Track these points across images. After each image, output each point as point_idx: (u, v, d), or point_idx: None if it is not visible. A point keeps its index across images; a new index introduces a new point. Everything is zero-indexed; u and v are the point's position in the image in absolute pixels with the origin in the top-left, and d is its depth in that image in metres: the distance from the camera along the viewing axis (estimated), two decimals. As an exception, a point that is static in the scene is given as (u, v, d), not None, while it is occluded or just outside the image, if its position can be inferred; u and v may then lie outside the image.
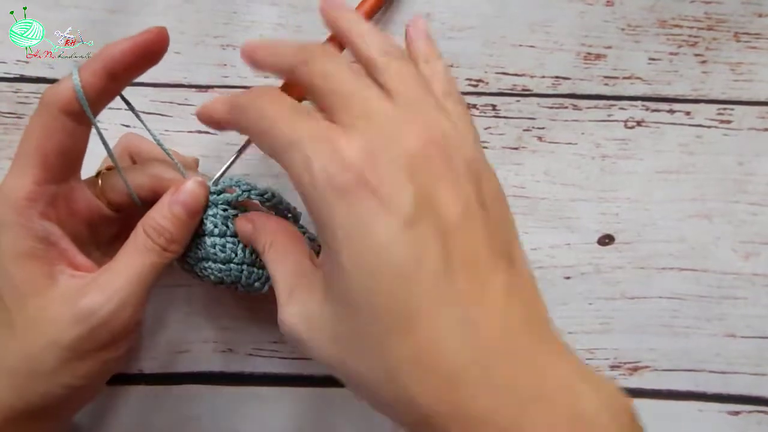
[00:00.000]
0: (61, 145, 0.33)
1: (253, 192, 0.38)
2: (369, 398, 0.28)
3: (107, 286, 0.33)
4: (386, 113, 0.29)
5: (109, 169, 0.39)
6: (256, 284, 0.38)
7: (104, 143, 0.36)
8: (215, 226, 0.37)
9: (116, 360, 0.35)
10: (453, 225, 0.27)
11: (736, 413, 0.45)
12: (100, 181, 0.38)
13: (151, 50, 0.34)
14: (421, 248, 0.26)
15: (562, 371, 0.26)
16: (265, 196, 0.38)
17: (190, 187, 0.36)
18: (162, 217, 0.35)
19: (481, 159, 0.31)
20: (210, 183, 0.37)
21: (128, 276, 0.34)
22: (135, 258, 0.34)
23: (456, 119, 0.31)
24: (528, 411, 0.24)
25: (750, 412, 0.45)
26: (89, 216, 0.37)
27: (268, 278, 0.38)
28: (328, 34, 0.36)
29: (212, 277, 0.37)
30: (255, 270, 0.38)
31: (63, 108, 0.33)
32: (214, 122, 0.35)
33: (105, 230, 0.39)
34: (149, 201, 0.37)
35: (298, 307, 0.31)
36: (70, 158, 0.35)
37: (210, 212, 0.37)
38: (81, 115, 0.33)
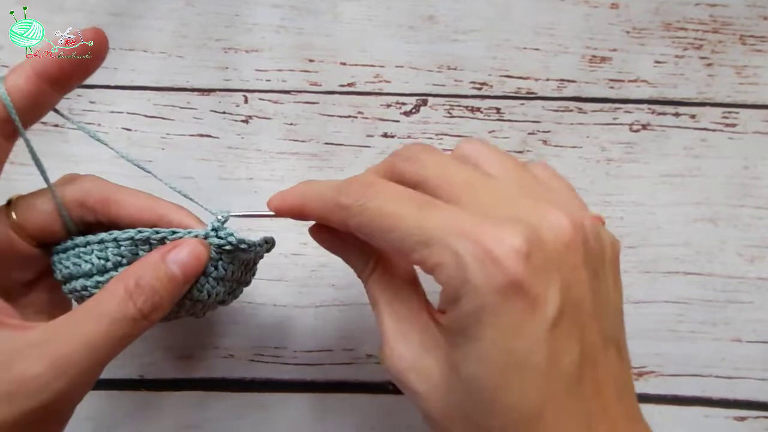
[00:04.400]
0: None
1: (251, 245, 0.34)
2: None
3: (58, 356, 0.27)
4: (518, 201, 0.28)
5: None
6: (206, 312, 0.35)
7: (34, 158, 0.31)
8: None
9: None
10: (588, 317, 0.27)
11: (743, 419, 0.44)
12: (13, 212, 0.32)
13: (87, 49, 0.30)
14: (560, 349, 0.26)
15: None
16: (265, 247, 0.35)
17: (195, 247, 0.31)
18: (155, 277, 0.29)
19: (610, 243, 0.30)
20: (217, 223, 0.33)
21: (89, 346, 0.28)
22: (103, 323, 0.28)
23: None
24: None
25: (756, 417, 0.44)
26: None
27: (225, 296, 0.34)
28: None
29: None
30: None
31: None
32: (303, 217, 0.32)
33: (17, 273, 0.33)
34: (90, 227, 0.32)
35: (412, 354, 0.29)
36: None
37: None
38: (4, 126, 0.29)
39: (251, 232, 0.44)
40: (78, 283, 0.33)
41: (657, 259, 0.45)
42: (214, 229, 0.32)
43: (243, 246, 0.33)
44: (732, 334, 0.45)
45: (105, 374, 0.42)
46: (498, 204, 0.28)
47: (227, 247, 0.32)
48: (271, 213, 0.33)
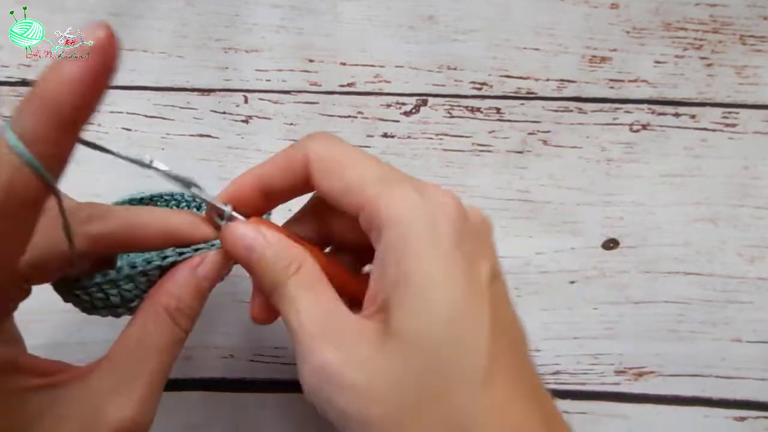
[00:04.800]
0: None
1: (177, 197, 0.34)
2: None
3: (139, 396, 0.28)
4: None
5: None
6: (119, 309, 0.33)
7: (64, 217, 0.27)
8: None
9: None
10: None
11: (743, 419, 0.44)
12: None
13: (102, 67, 0.23)
14: (467, 262, 0.28)
15: None
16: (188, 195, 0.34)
17: (216, 259, 0.31)
18: (191, 297, 0.30)
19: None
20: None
21: (161, 378, 0.29)
22: (163, 353, 0.29)
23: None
24: None
25: (756, 417, 0.44)
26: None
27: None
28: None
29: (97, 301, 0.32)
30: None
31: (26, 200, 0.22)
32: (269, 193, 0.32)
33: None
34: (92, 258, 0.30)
35: (343, 350, 0.27)
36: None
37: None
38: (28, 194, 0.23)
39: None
40: (106, 312, 0.33)
41: (657, 259, 0.45)
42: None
43: None
44: (732, 334, 0.45)
45: (105, 374, 0.43)
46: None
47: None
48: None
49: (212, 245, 0.32)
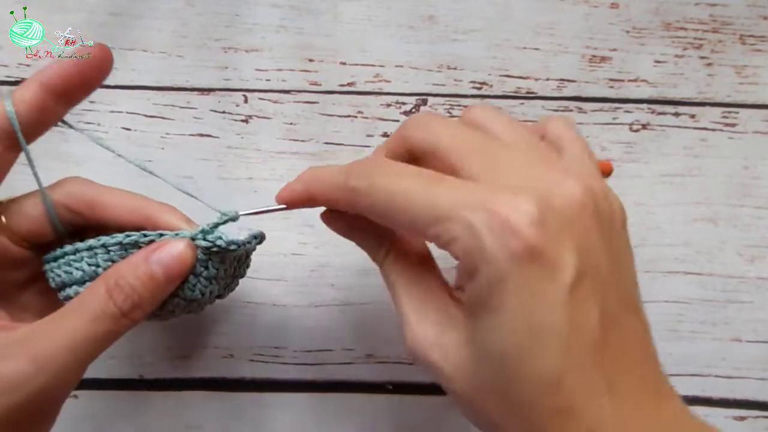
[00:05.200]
0: None
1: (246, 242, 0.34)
2: None
3: (40, 352, 0.28)
4: (529, 169, 0.28)
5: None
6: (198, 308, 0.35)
7: (31, 165, 0.32)
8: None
9: None
10: (605, 280, 0.27)
11: (743, 418, 0.44)
12: (2, 215, 0.32)
13: (91, 65, 0.31)
14: (581, 313, 0.26)
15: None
16: (255, 242, 0.35)
17: (178, 249, 0.31)
18: (135, 276, 0.30)
19: (619, 208, 0.31)
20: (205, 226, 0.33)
21: (70, 342, 0.28)
22: (84, 320, 0.29)
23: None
24: None
25: (756, 417, 0.44)
26: None
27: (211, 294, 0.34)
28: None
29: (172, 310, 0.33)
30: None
31: None
32: (312, 204, 0.32)
33: (9, 275, 0.33)
34: (79, 229, 0.32)
35: (433, 333, 0.29)
36: None
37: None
38: (8, 138, 0.30)
39: (249, 231, 0.44)
40: (71, 290, 0.33)
41: (657, 258, 0.45)
42: (202, 231, 0.32)
43: (232, 247, 0.32)
44: (732, 333, 0.45)
45: (105, 374, 0.43)
46: (509, 172, 0.28)
47: (215, 249, 0.32)
48: (281, 207, 0.32)
49: (176, 234, 0.32)
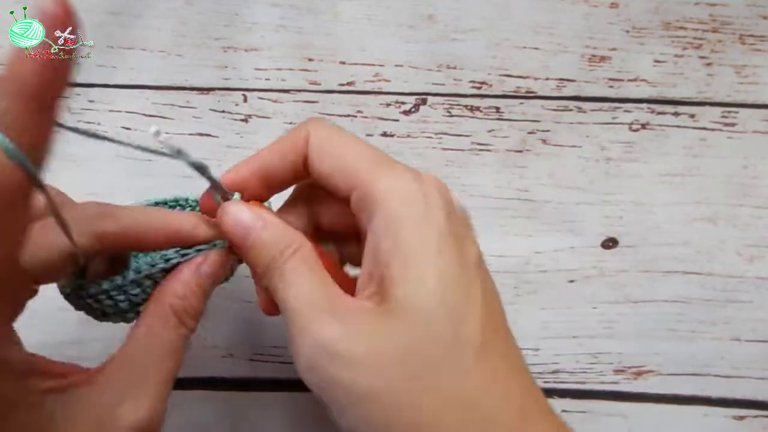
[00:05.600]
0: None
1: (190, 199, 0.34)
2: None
3: (145, 392, 0.29)
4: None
5: None
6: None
7: (54, 211, 0.26)
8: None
9: None
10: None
11: (742, 418, 0.44)
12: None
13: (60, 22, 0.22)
14: (458, 239, 0.29)
15: None
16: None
17: (219, 258, 0.32)
18: (192, 293, 0.31)
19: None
20: None
21: (170, 378, 0.30)
22: (172, 354, 0.30)
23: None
24: None
25: (756, 416, 0.44)
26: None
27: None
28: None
29: (103, 307, 0.32)
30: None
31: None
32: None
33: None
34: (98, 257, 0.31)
35: (342, 324, 0.27)
36: None
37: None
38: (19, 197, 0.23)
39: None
40: (116, 317, 0.33)
41: (656, 258, 0.45)
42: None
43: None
44: (731, 333, 0.45)
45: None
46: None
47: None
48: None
49: (214, 245, 0.32)
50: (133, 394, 0.28)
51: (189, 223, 0.32)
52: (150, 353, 0.30)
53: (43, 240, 0.27)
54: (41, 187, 0.23)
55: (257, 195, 0.32)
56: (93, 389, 0.28)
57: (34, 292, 0.29)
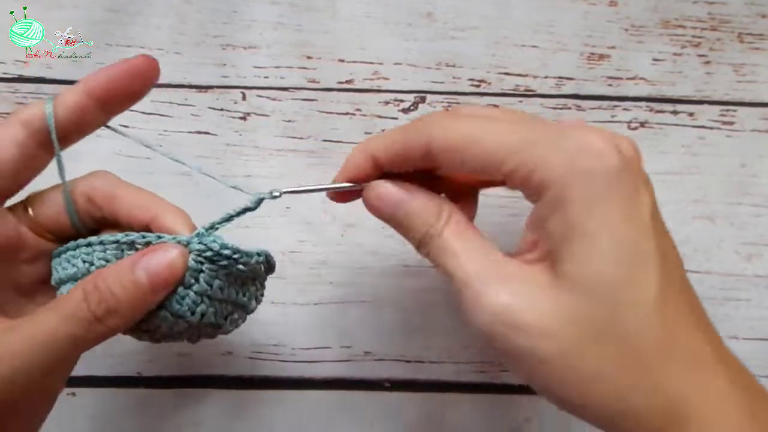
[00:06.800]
0: (3, 158, 0.29)
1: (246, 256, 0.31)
2: (595, 389, 0.27)
3: (4, 345, 0.27)
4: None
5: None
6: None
7: (60, 167, 0.32)
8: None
9: None
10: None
11: (739, 416, 0.44)
12: (29, 208, 0.32)
13: (136, 74, 0.30)
14: (664, 242, 0.29)
15: None
16: (260, 260, 0.32)
17: (169, 256, 0.29)
18: (117, 282, 0.28)
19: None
20: (201, 229, 0.31)
21: (37, 342, 0.27)
22: (53, 321, 0.28)
23: None
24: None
25: (753, 414, 0.44)
26: (5, 250, 0.31)
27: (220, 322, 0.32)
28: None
29: (158, 328, 0.31)
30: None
31: (25, 122, 0.30)
32: (378, 169, 0.32)
33: (28, 269, 0.33)
34: (100, 225, 0.32)
35: (508, 296, 0.28)
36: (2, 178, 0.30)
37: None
38: (43, 139, 0.30)
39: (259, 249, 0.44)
40: (65, 288, 0.32)
41: (655, 256, 0.45)
42: (197, 235, 0.30)
43: (225, 252, 0.30)
44: (729, 331, 0.45)
45: (103, 371, 0.43)
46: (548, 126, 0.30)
47: (208, 254, 0.30)
48: (344, 185, 0.33)
49: (175, 239, 0.30)
50: None
51: (169, 210, 0.32)
52: (38, 317, 0.28)
53: (49, 197, 0.33)
54: (57, 150, 0.30)
55: (369, 178, 0.33)
56: None
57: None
